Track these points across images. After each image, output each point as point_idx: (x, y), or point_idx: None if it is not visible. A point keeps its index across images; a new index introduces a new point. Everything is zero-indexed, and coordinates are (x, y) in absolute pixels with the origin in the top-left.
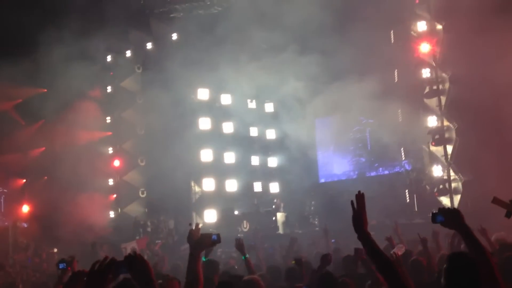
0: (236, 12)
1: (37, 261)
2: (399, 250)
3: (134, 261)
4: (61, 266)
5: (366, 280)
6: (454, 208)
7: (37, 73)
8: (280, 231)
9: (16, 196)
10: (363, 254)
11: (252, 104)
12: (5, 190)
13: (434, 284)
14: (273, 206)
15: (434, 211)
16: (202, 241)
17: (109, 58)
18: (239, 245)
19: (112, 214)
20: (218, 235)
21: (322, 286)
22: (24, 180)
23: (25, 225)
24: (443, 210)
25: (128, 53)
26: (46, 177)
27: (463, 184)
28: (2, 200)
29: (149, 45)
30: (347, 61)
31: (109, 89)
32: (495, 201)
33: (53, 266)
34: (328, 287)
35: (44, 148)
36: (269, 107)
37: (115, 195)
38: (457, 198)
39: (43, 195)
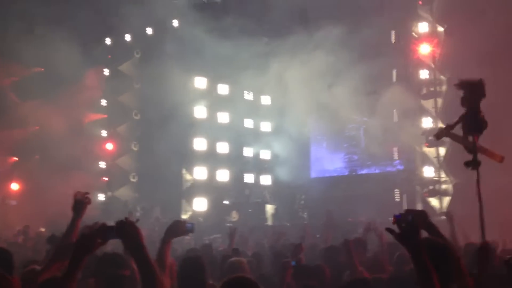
0: (239, 2)
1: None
2: None
3: (125, 226)
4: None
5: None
6: (422, 210)
7: (35, 52)
8: (269, 222)
9: (7, 174)
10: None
11: (249, 96)
12: None
13: None
14: (262, 198)
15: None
16: (175, 228)
17: (108, 41)
18: (232, 232)
19: (102, 196)
20: (193, 225)
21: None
22: (16, 159)
23: (14, 203)
24: (411, 210)
25: (128, 37)
26: (38, 156)
27: (453, 186)
28: None
29: (149, 31)
30: (346, 58)
31: (106, 72)
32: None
33: (40, 244)
34: (303, 273)
35: (37, 127)
36: (265, 100)
37: (106, 178)
38: (446, 200)
39: (34, 174)
